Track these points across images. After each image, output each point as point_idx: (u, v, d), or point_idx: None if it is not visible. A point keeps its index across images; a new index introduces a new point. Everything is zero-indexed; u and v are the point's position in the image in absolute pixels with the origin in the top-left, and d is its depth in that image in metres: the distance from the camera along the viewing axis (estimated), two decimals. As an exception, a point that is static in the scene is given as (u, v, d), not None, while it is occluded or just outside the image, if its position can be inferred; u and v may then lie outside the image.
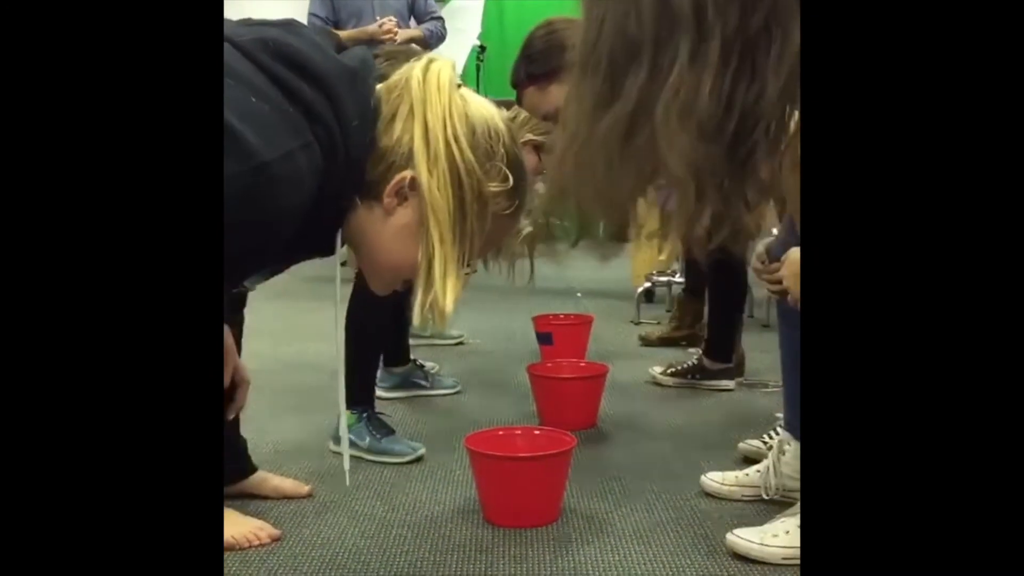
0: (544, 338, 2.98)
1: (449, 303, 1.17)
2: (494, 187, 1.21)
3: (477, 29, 5.83)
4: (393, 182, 1.18)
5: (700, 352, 2.81)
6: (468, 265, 1.21)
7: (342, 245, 1.25)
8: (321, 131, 1.11)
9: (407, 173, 1.18)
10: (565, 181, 0.80)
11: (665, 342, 3.30)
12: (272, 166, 1.06)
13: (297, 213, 1.11)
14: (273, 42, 1.12)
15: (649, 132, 0.75)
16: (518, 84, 2.23)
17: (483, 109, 1.23)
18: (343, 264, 1.39)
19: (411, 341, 2.78)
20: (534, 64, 2.19)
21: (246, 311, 1.83)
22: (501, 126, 1.24)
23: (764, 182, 0.77)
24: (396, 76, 1.22)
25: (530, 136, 2.33)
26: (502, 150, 1.22)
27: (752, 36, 0.72)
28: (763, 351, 2.88)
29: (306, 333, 3.42)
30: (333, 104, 1.13)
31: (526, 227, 2.13)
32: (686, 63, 0.72)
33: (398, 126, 1.18)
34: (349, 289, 2.16)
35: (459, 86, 1.22)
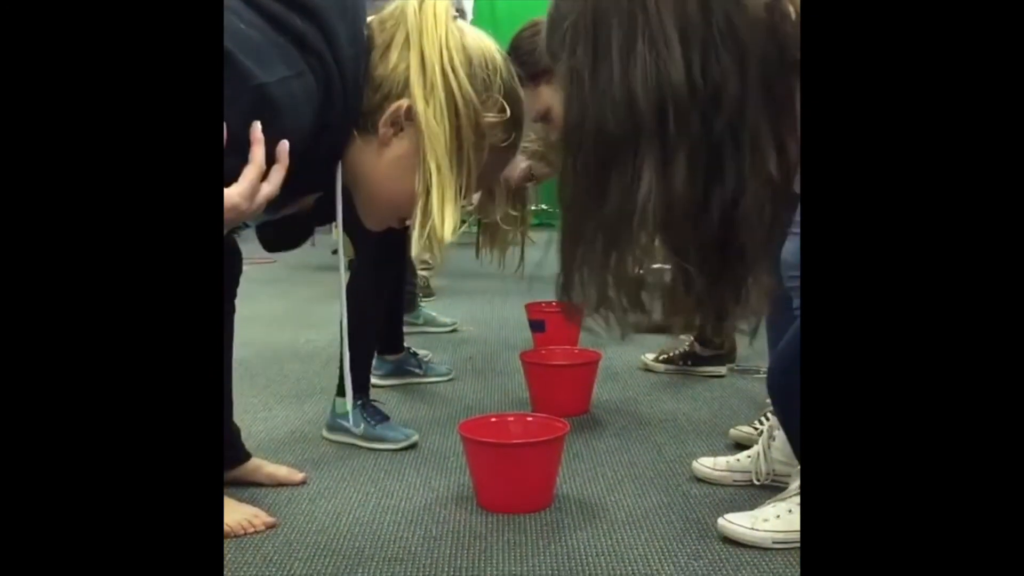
0: (537, 325, 2.99)
1: (447, 232, 1.16)
2: (491, 118, 1.20)
3: (469, 16, 5.82)
4: (389, 111, 1.17)
5: (692, 339, 2.82)
6: (464, 197, 1.20)
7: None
8: (314, 61, 1.10)
9: (403, 102, 1.16)
10: (575, 261, 0.82)
11: (657, 329, 3.31)
12: (270, 87, 1.05)
13: (295, 140, 1.10)
14: None
15: (636, 230, 0.76)
16: None
17: (480, 41, 1.22)
18: (334, 252, 1.39)
19: (404, 329, 2.79)
20: (522, 66, 2.18)
21: (238, 300, 1.83)
22: (498, 58, 1.23)
23: (763, 284, 0.78)
24: (390, 7, 1.21)
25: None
26: (499, 81, 1.21)
27: (718, 141, 0.73)
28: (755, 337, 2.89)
29: (300, 322, 3.42)
30: (325, 34, 1.12)
31: (523, 162, 2.13)
32: (656, 167, 0.73)
33: (393, 55, 1.17)
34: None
35: (455, 18, 1.21)
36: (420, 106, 1.15)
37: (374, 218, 1.26)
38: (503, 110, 1.21)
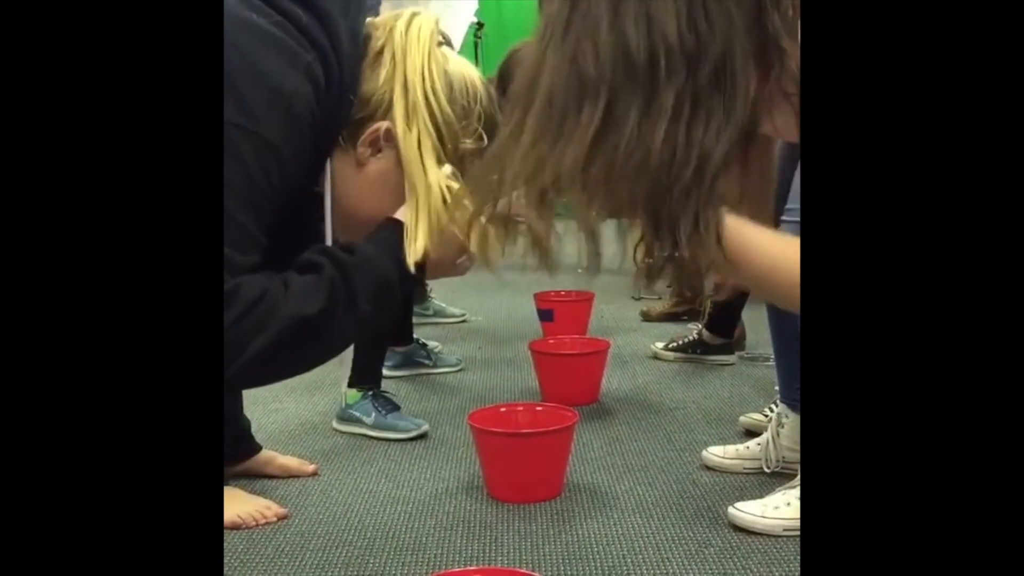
0: (545, 315, 2.99)
1: (418, 251, 1.17)
2: (469, 145, 1.22)
3: (474, 5, 5.80)
4: (368, 132, 1.18)
5: (701, 326, 2.82)
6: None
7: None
8: (318, 54, 1.12)
9: (383, 124, 1.18)
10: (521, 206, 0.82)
11: (666, 317, 3.32)
12: (298, 94, 1.08)
13: (308, 125, 1.12)
14: None
15: (602, 174, 0.76)
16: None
17: (462, 67, 1.23)
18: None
19: (414, 320, 2.79)
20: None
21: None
22: (479, 85, 1.24)
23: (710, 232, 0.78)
24: (382, 18, 1.22)
25: None
26: (479, 109, 1.22)
27: (702, 88, 0.74)
28: (763, 324, 2.89)
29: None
30: (328, 31, 1.13)
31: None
32: (641, 113, 0.74)
33: (380, 73, 1.18)
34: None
35: (440, 43, 1.22)
36: (400, 129, 1.16)
37: (348, 231, 1.26)
38: (481, 138, 1.22)
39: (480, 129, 1.22)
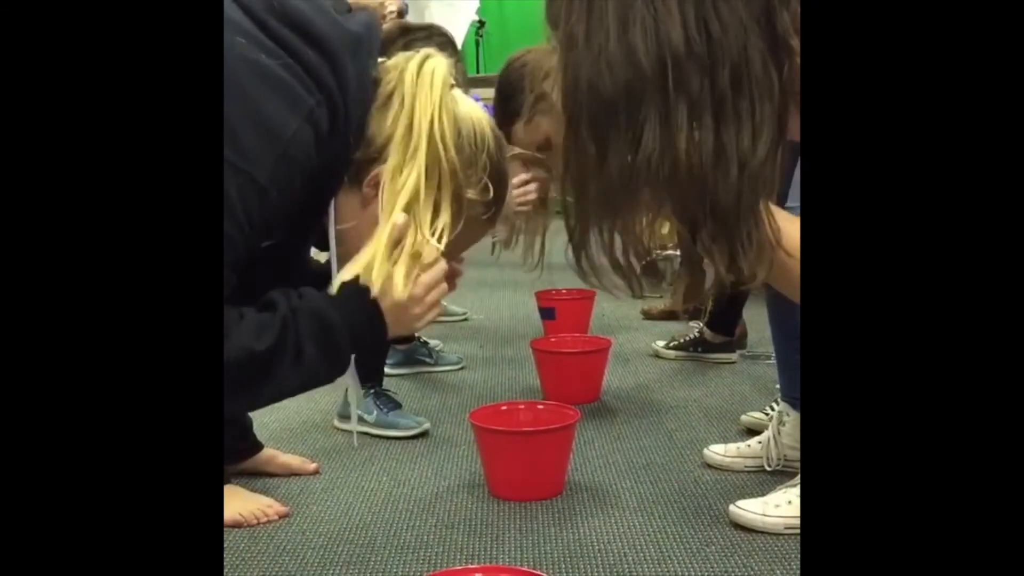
0: (547, 313, 2.99)
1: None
2: (472, 194, 1.22)
3: (475, 3, 5.81)
4: (373, 174, 1.19)
5: (702, 325, 2.82)
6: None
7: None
8: (323, 97, 1.12)
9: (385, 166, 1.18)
10: (583, 231, 0.82)
11: (667, 315, 3.32)
12: (295, 138, 1.08)
13: (304, 168, 1.12)
14: (278, 3, 1.13)
15: (641, 190, 0.76)
16: (502, 123, 2.21)
17: (473, 113, 1.22)
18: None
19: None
20: (515, 102, 2.19)
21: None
22: (488, 133, 1.23)
23: (763, 230, 0.78)
24: (394, 59, 1.22)
25: (519, 150, 2.31)
26: (485, 158, 1.22)
27: (722, 93, 0.73)
28: (765, 323, 2.88)
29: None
30: (335, 72, 1.13)
31: (500, 234, 2.16)
32: (658, 125, 0.74)
33: (388, 117, 1.19)
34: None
35: (452, 86, 1.22)
36: (389, 170, 1.17)
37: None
38: (486, 188, 1.22)
39: (485, 179, 1.22)
